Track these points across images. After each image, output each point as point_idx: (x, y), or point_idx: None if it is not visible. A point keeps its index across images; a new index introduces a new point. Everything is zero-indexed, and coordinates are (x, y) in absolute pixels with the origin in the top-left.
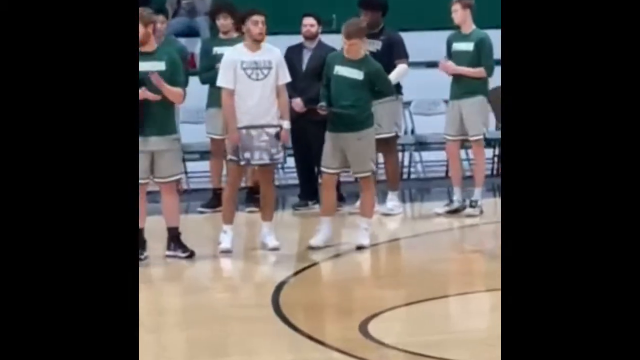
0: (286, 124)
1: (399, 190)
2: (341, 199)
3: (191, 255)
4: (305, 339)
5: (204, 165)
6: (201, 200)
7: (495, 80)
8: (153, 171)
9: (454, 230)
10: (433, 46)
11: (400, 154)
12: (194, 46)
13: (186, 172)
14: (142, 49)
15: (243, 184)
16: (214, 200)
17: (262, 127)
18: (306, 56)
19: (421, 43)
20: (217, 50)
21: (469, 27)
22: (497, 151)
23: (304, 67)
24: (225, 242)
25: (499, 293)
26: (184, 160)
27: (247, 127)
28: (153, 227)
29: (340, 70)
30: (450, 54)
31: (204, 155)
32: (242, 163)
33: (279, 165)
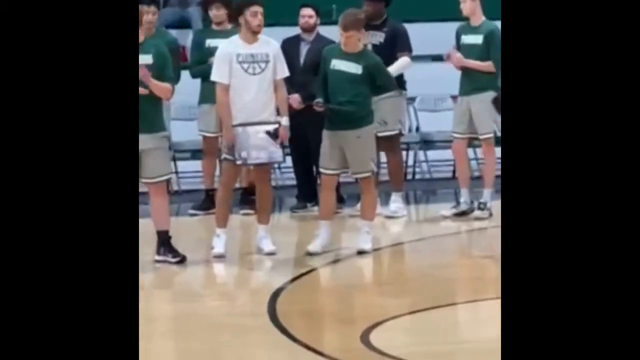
0: (285, 121)
1: (402, 191)
2: (341, 200)
3: (182, 260)
4: (304, 350)
5: (196, 165)
6: (193, 201)
7: None
8: (141, 171)
9: (462, 234)
10: (439, 38)
11: (404, 153)
12: (186, 38)
13: (177, 172)
14: None
15: (237, 185)
16: (206, 202)
17: (259, 124)
18: (304, 49)
19: (427, 35)
20: (209, 42)
21: (478, 18)
22: None
23: (301, 61)
24: (219, 246)
25: None
26: (174, 159)
27: (243, 125)
28: (141, 230)
29: (338, 64)
30: (459, 47)
31: (195, 154)
32: (239, 162)
33: (276, 165)
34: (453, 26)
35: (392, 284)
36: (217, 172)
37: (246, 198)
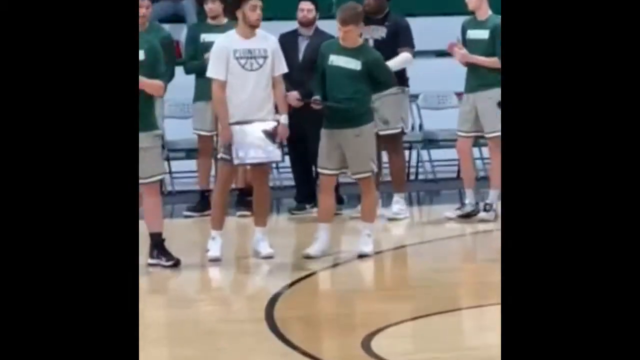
0: (283, 119)
1: (405, 192)
2: (340, 201)
3: (176, 264)
4: (302, 357)
5: (191, 165)
6: (187, 203)
7: None
8: None
9: (466, 237)
10: (444, 33)
11: (406, 153)
12: (180, 33)
13: (170, 172)
14: None
15: (233, 185)
16: (201, 203)
17: (257, 122)
18: (302, 45)
19: (431, 30)
20: (205, 37)
21: (484, 12)
22: None
23: (300, 56)
24: (214, 249)
25: None
26: (168, 159)
27: (241, 123)
28: None
29: (336, 60)
30: (465, 42)
31: (190, 153)
32: (236, 162)
33: (274, 165)
34: (458, 20)
35: (394, 288)
36: (213, 172)
37: (243, 199)
